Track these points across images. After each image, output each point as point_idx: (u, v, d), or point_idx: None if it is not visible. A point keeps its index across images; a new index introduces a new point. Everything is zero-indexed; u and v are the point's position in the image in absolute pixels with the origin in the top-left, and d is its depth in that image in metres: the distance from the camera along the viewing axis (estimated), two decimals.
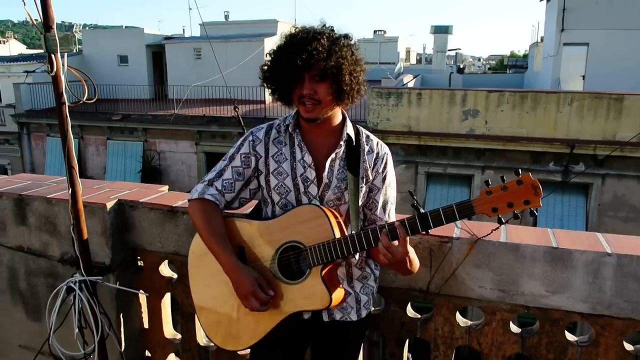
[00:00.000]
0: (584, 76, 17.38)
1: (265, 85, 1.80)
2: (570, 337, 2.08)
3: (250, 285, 1.70)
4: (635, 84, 14.71)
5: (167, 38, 24.97)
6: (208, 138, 17.24)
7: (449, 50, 28.37)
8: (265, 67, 1.79)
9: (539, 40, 23.04)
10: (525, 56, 35.74)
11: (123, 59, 24.36)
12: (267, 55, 1.79)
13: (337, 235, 1.69)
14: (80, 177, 2.28)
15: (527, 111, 12.86)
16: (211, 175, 1.91)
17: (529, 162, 13.05)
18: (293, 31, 1.76)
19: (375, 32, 44.59)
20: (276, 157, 1.85)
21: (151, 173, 17.77)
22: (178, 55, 23.20)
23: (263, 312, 1.73)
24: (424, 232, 1.60)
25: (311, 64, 1.65)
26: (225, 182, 1.87)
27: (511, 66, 34.06)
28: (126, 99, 19.73)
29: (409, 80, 19.67)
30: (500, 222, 1.52)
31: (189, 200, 1.90)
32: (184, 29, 32.32)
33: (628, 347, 2.02)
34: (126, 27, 31.58)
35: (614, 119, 12.30)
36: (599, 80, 16.00)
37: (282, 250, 1.77)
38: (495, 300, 2.07)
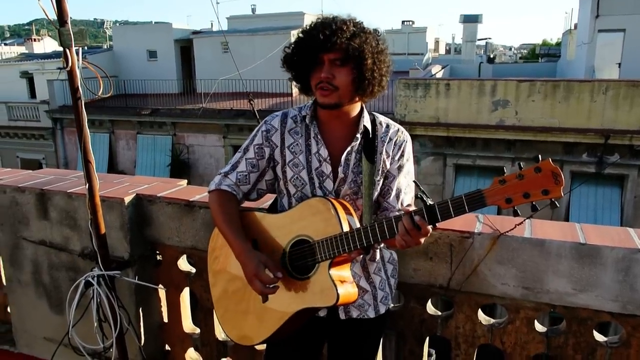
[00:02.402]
0: (619, 64, 16.79)
1: (286, 70, 1.76)
2: (599, 337, 1.98)
3: (255, 266, 1.65)
4: None
5: (195, 32, 25.17)
6: (235, 131, 17.34)
7: (479, 39, 27.84)
8: (287, 51, 1.74)
9: (573, 28, 22.35)
10: (558, 44, 34.77)
11: (152, 54, 24.67)
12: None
13: (345, 228, 1.63)
14: (110, 171, 2.28)
15: (559, 101, 12.50)
16: (227, 168, 1.88)
17: (562, 153, 12.71)
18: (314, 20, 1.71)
19: (403, 22, 44.08)
20: (292, 148, 1.80)
21: (180, 167, 18.01)
22: (206, 49, 23.37)
23: (271, 294, 1.67)
24: (432, 226, 1.50)
25: (333, 41, 1.59)
26: (240, 175, 1.84)
27: (543, 55, 33.18)
28: (155, 94, 20.01)
29: (437, 70, 19.36)
30: (534, 209, 1.37)
31: (208, 193, 1.88)
32: (212, 23, 32.51)
33: None
34: (155, 22, 31.99)
35: None
36: (636, 68, 15.43)
37: (292, 244, 1.72)
38: (519, 298, 1.99)
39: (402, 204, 1.85)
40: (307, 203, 1.72)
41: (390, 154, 1.80)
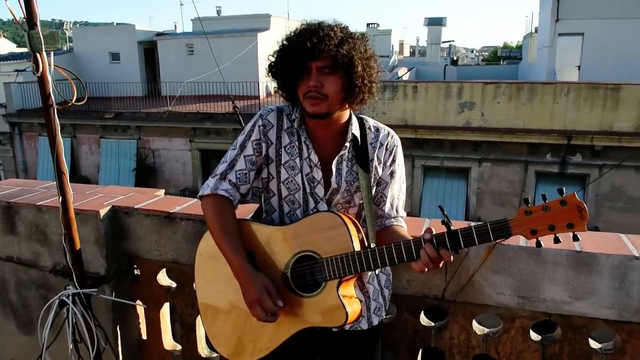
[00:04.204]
0: (579, 67, 17.29)
1: (271, 78, 1.68)
2: (594, 344, 1.97)
3: (258, 292, 1.56)
4: (631, 74, 14.63)
5: (159, 34, 24.70)
6: (202, 135, 17.06)
7: (443, 42, 28.22)
8: (271, 58, 1.66)
9: (534, 31, 22.93)
10: (518, 47, 35.63)
11: (115, 56, 24.06)
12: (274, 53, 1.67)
13: (357, 247, 1.56)
14: (73, 176, 2.15)
15: (523, 103, 12.77)
16: (222, 167, 1.74)
17: (526, 154, 12.99)
18: (298, 26, 1.63)
19: (368, 25, 44.32)
20: (288, 149, 1.72)
21: (145, 171, 17.60)
22: (170, 51, 22.94)
23: (271, 322, 1.60)
24: (453, 251, 1.46)
25: (322, 49, 1.52)
26: (240, 174, 1.72)
27: (505, 57, 33.97)
28: (119, 97, 19.48)
29: (403, 73, 19.53)
30: (556, 241, 1.36)
31: (200, 198, 1.74)
32: (175, 25, 31.92)
33: None
34: (117, 24, 31.25)
35: (611, 109, 12.22)
36: (595, 71, 15.92)
37: (296, 260, 1.64)
38: (515, 307, 1.96)
39: (396, 211, 1.81)
40: (314, 217, 1.63)
41: (382, 159, 1.75)
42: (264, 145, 1.73)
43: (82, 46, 24.24)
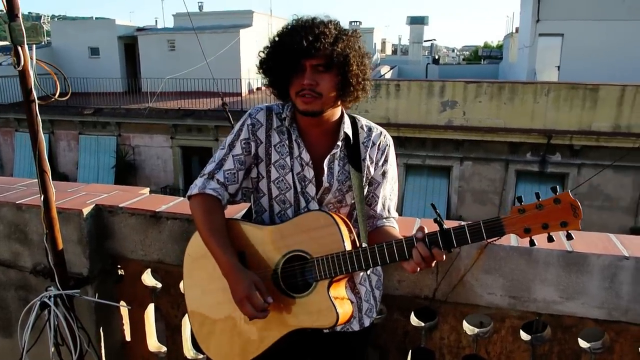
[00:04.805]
0: (558, 67, 17.53)
1: (262, 75, 1.64)
2: (583, 344, 1.98)
3: (246, 288, 1.52)
4: (609, 75, 14.87)
5: (140, 29, 24.35)
6: (184, 132, 16.88)
7: (425, 41, 28.38)
8: (262, 54, 1.62)
9: (514, 31, 23.17)
10: (499, 47, 36.02)
11: (94, 51, 23.65)
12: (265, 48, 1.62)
13: (348, 247, 1.53)
14: (51, 173, 2.06)
15: (504, 102, 12.90)
16: (210, 167, 1.71)
17: (507, 153, 13.14)
18: (290, 21, 1.59)
19: (350, 22, 44.37)
20: (278, 148, 1.69)
21: (126, 168, 17.35)
22: (151, 47, 22.62)
23: (261, 319, 1.56)
24: (445, 250, 1.44)
25: (317, 47, 1.49)
26: (228, 173, 1.69)
27: (486, 57, 34.32)
28: (98, 92, 19.16)
29: (386, 71, 19.59)
30: (550, 240, 1.35)
31: (188, 197, 1.71)
32: (156, 20, 31.58)
33: None
34: (96, 18, 30.75)
35: (590, 109, 12.43)
36: (574, 71, 16.15)
37: (286, 260, 1.61)
38: (506, 307, 1.95)
39: (388, 212, 1.79)
40: (305, 216, 1.60)
41: (374, 159, 1.73)
42: (253, 144, 1.70)
43: (60, 40, 23.77)
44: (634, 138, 12.11)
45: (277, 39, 1.59)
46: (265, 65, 1.63)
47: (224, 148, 1.72)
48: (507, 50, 25.04)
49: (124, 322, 2.52)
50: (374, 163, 1.73)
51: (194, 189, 1.69)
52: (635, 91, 12.11)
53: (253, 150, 1.70)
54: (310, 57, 1.52)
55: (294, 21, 1.58)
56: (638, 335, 1.88)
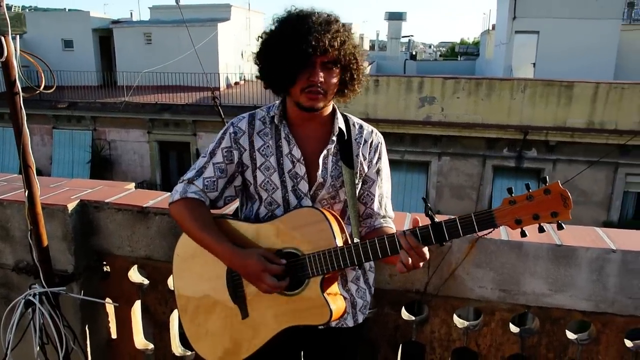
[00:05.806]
0: (534, 64, 17.79)
1: (264, 66, 1.60)
2: (570, 335, 2.02)
3: (258, 262, 1.52)
4: (583, 72, 15.17)
5: (115, 22, 23.89)
6: (161, 126, 16.64)
7: (403, 37, 28.49)
8: (262, 49, 1.59)
9: (491, 28, 23.43)
10: (475, 43, 36.37)
11: (68, 44, 23.10)
12: (260, 37, 1.60)
13: (339, 243, 1.53)
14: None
15: (482, 98, 13.05)
16: (190, 174, 1.70)
17: (484, 149, 13.30)
18: (288, 13, 1.57)
19: None
20: (262, 151, 1.67)
21: (101, 163, 17.04)
22: (127, 40, 22.20)
23: (283, 288, 1.54)
24: (437, 244, 1.44)
25: (333, 46, 1.49)
26: (207, 181, 1.68)
27: (462, 53, 34.59)
28: (72, 86, 18.73)
29: (365, 67, 19.60)
30: (541, 230, 1.37)
31: (170, 204, 1.69)
32: (131, 13, 31.04)
33: (628, 343, 1.98)
34: (69, 9, 30.05)
35: (565, 106, 12.66)
36: (549, 68, 16.42)
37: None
38: (496, 300, 1.98)
39: (385, 210, 1.79)
40: (296, 213, 1.59)
41: (367, 157, 1.73)
42: (235, 152, 1.68)
43: (32, 32, 23.07)
44: (607, 134, 12.38)
45: (284, 33, 1.53)
46: (269, 59, 1.59)
47: (205, 156, 1.71)
48: (483, 47, 25.31)
49: (110, 319, 2.48)
50: (367, 161, 1.73)
51: (175, 195, 1.69)
52: (608, 88, 12.39)
53: (236, 159, 1.68)
54: (322, 55, 1.51)
55: (296, 15, 1.55)
56: (623, 326, 1.92)
